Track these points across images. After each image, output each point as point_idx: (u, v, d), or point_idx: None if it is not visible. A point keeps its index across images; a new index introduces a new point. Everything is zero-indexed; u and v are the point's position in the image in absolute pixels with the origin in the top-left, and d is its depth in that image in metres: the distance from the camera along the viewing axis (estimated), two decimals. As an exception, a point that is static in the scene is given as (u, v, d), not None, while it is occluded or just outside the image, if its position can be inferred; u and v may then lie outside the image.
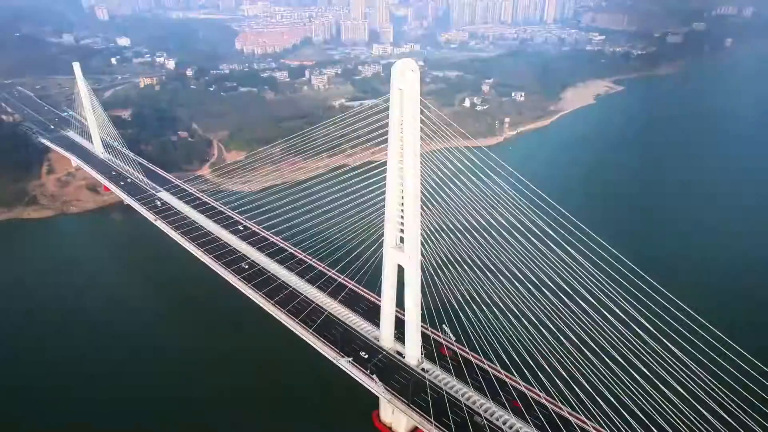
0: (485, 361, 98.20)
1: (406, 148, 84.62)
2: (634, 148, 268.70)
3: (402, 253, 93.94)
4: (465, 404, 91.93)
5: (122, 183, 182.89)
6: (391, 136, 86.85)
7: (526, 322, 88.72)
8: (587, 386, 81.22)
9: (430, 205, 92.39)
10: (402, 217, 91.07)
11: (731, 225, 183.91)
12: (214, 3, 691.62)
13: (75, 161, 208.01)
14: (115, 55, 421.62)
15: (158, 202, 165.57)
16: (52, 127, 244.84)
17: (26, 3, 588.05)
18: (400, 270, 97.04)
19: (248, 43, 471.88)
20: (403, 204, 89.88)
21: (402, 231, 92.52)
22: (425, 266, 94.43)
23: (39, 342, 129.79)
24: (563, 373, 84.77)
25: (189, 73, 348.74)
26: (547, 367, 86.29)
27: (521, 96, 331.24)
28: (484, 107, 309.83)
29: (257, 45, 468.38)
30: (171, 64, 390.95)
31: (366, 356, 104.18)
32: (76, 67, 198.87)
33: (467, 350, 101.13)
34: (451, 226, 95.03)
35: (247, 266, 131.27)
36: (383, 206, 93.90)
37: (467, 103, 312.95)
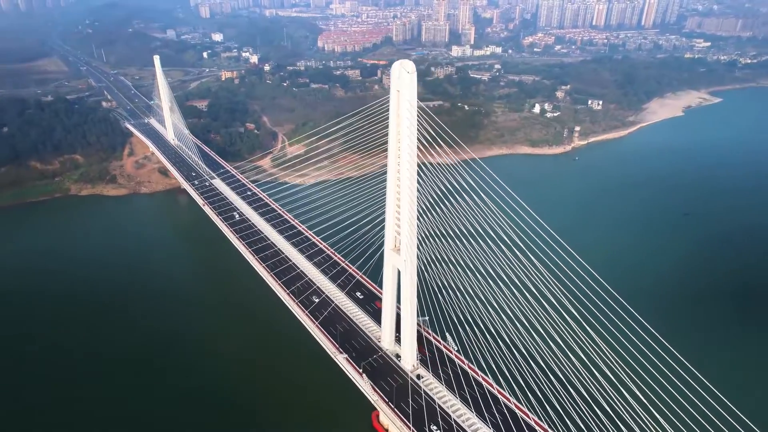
0: (480, 374, 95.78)
1: (402, 151, 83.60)
2: (716, 167, 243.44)
3: (398, 256, 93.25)
4: (452, 417, 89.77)
5: (183, 169, 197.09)
6: (391, 139, 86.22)
7: (540, 342, 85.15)
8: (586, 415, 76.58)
9: (467, 210, 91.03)
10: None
11: None
12: (306, 1, 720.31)
13: (150, 146, 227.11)
14: (208, 49, 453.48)
15: (212, 191, 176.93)
16: (139, 114, 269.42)
17: (142, 2, 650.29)
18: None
19: (329, 42, 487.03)
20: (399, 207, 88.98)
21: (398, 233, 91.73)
22: (437, 273, 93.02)
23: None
24: (561, 398, 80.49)
25: (267, 68, 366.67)
26: (546, 389, 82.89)
27: (598, 104, 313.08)
28: (555, 114, 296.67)
29: (337, 43, 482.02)
30: (254, 59, 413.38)
31: (364, 355, 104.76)
32: (156, 60, 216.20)
33: (465, 361, 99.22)
34: (471, 231, 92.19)
35: (277, 260, 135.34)
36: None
37: (537, 109, 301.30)
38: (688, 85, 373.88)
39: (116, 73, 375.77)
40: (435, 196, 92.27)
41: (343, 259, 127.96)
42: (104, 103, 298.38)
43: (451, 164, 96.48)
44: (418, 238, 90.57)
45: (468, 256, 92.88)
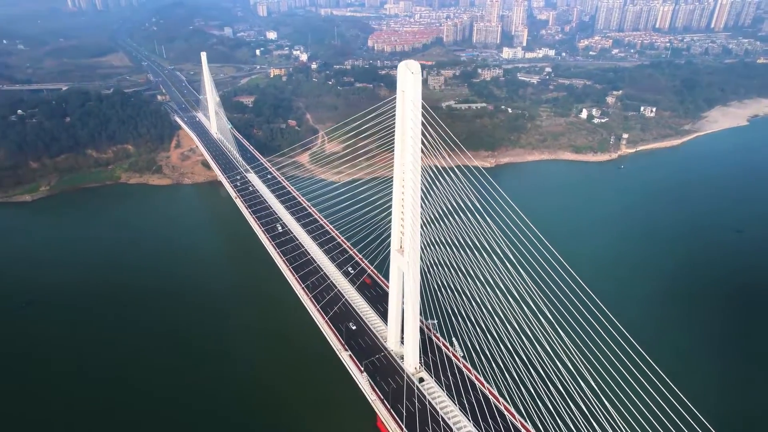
0: (483, 383, 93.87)
1: (405, 153, 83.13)
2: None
3: (401, 257, 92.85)
4: (448, 424, 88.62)
5: (222, 162, 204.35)
6: (397, 140, 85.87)
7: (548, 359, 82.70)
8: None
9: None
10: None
11: None
12: (361, 1, 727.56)
13: (194, 139, 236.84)
14: (261, 47, 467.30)
15: (245, 184, 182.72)
16: (188, 107, 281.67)
17: (206, 1, 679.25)
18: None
19: (379, 41, 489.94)
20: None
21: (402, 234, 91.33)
22: (449, 278, 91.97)
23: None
24: (566, 414, 77.60)
25: (314, 66, 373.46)
26: (550, 405, 79.96)
27: (651, 111, 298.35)
28: (602, 120, 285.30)
29: (387, 43, 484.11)
30: (304, 57, 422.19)
31: (369, 354, 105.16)
32: (203, 56, 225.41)
33: (469, 368, 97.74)
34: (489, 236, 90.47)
35: (297, 254, 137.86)
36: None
37: (584, 115, 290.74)
38: (757, 92, 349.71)
39: (173, 68, 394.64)
40: (452, 202, 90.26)
41: (363, 259, 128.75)
42: (159, 97, 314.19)
43: (463, 169, 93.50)
44: (431, 242, 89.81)
45: (480, 263, 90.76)
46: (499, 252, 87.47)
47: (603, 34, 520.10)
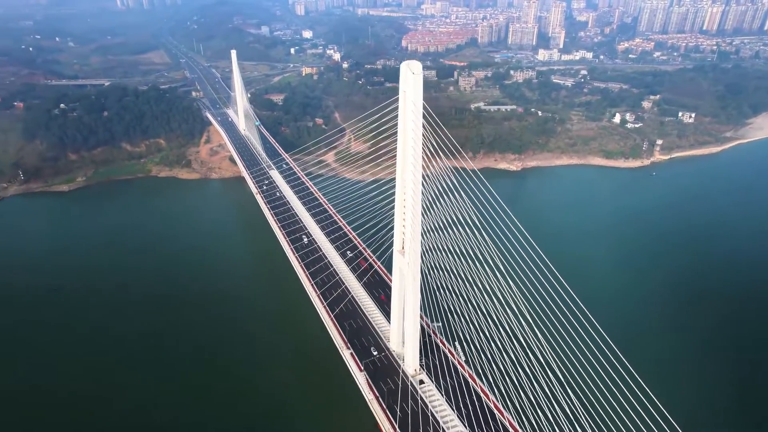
0: (483, 389, 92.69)
1: (406, 153, 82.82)
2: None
3: (402, 258, 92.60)
4: (444, 429, 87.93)
5: (246, 158, 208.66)
6: (400, 140, 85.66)
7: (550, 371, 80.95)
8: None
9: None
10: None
11: None
12: (398, 1, 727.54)
13: (222, 135, 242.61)
14: (296, 45, 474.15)
15: (267, 179, 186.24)
16: (220, 104, 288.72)
17: (247, 0, 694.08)
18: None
19: (413, 41, 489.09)
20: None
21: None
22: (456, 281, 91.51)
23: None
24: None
25: (345, 65, 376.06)
26: (549, 415, 78.18)
27: (690, 117, 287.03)
28: (636, 125, 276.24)
29: (421, 44, 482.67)
30: (337, 56, 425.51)
31: (370, 353, 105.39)
32: (233, 54, 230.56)
33: (470, 372, 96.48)
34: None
35: (308, 250, 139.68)
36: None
37: (617, 119, 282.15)
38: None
39: (209, 65, 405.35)
40: (465, 207, 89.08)
41: (376, 259, 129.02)
42: (194, 93, 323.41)
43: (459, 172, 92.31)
44: (441, 247, 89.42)
45: (487, 270, 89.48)
46: (508, 259, 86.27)
47: (645, 37, 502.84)
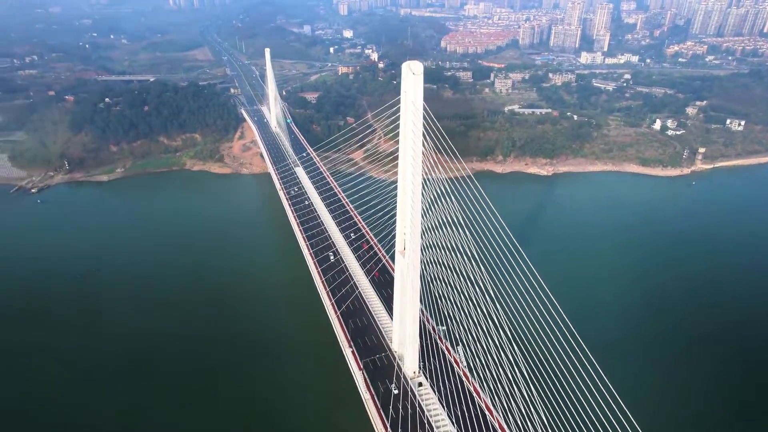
0: (481, 395, 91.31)
1: (405, 154, 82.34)
2: None
3: (402, 258, 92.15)
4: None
5: (274, 154, 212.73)
6: (401, 142, 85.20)
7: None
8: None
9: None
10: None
11: None
12: (441, 2, 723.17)
13: (254, 131, 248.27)
14: (335, 45, 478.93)
15: (291, 176, 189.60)
16: (255, 101, 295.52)
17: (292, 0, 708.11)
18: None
19: (452, 42, 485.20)
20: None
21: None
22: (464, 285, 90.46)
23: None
24: None
25: (380, 65, 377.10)
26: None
27: (739, 125, 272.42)
28: (678, 132, 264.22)
29: (460, 44, 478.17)
30: (374, 56, 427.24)
31: (371, 353, 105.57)
32: (267, 52, 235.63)
33: (469, 377, 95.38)
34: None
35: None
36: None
37: (657, 125, 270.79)
38: None
39: (249, 63, 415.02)
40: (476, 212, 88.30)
41: (387, 258, 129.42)
42: (232, 90, 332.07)
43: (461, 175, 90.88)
44: (448, 248, 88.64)
45: (492, 275, 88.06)
46: (514, 266, 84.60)
47: (698, 40, 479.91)
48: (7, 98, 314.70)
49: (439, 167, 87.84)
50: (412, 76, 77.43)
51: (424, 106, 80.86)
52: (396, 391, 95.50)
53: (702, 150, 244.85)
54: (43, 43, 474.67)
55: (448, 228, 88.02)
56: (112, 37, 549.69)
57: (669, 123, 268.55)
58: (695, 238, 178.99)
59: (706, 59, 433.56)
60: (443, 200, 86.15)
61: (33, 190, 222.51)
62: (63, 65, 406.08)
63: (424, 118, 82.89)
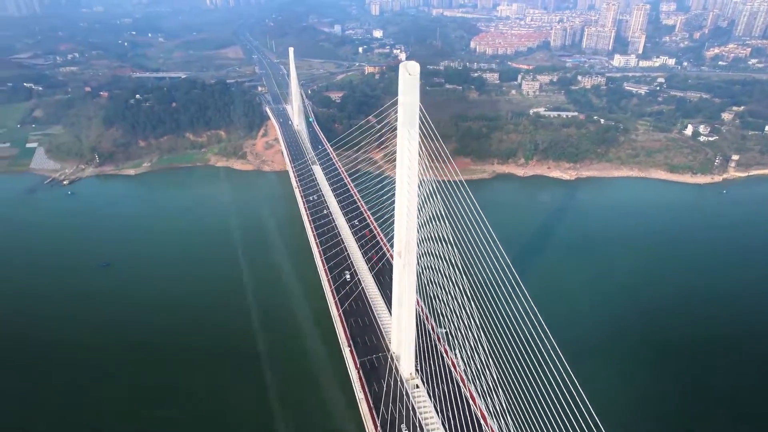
0: (476, 400, 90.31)
1: (402, 156, 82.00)
2: None
3: (399, 259, 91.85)
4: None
5: (294, 151, 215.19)
6: (399, 144, 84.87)
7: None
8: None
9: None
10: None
11: None
12: (474, 2, 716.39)
13: (276, 129, 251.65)
14: (364, 44, 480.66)
15: (308, 173, 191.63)
16: (281, 99, 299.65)
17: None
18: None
19: (482, 44, 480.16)
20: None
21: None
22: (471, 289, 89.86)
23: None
24: None
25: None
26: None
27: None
28: (711, 138, 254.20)
29: (489, 46, 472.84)
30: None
31: (369, 352, 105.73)
32: (290, 51, 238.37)
33: (465, 382, 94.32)
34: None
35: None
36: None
37: (689, 131, 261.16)
38: None
39: (278, 62, 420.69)
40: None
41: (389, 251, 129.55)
42: (259, 88, 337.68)
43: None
44: (459, 249, 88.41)
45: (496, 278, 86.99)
46: (516, 276, 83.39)
47: (741, 42, 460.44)
48: (48, 93, 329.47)
49: (445, 171, 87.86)
50: (408, 76, 77.04)
51: (420, 107, 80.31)
52: (390, 390, 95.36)
53: (735, 157, 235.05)
54: (85, 41, 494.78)
55: (447, 232, 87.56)
56: (149, 35, 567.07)
57: (701, 128, 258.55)
58: (722, 249, 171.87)
59: (749, 62, 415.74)
60: (443, 201, 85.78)
61: (65, 182, 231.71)
62: (101, 62, 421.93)
63: (424, 118, 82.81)
